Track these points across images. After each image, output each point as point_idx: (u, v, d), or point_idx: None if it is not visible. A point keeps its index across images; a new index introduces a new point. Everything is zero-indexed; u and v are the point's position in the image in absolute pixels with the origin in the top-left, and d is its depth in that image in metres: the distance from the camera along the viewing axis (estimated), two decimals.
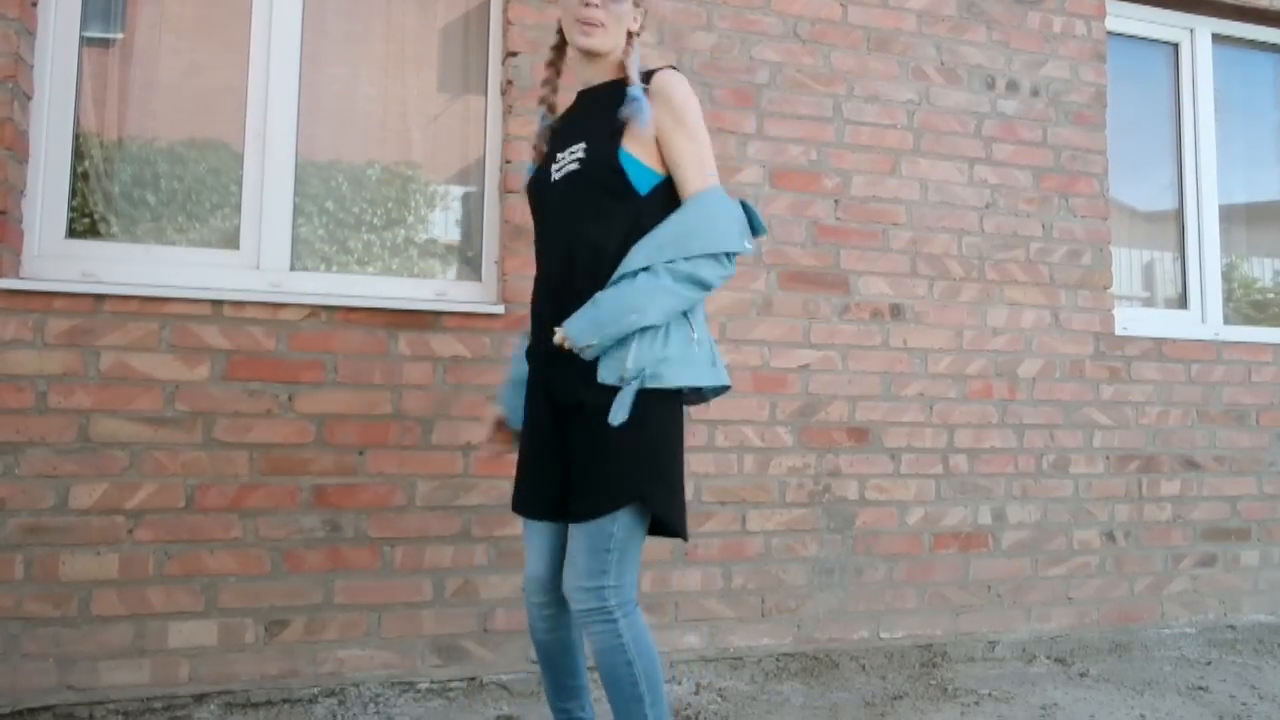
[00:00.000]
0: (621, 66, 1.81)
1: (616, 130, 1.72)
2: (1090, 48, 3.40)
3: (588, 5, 1.74)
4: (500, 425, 1.99)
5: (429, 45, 2.90)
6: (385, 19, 2.86)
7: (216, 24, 2.69)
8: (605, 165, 1.72)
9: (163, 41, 2.66)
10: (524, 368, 1.93)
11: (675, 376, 1.70)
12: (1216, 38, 3.75)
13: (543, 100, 1.94)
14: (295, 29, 2.69)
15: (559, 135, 1.87)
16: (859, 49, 3.10)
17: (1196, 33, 3.70)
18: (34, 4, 2.45)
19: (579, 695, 1.92)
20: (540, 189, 1.85)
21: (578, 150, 1.75)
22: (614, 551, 1.69)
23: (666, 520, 1.72)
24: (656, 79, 1.75)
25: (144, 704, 2.34)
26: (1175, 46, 3.73)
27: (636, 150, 1.72)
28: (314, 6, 2.75)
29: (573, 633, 1.88)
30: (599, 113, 1.78)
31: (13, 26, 2.36)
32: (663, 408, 1.72)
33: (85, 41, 2.57)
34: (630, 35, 1.82)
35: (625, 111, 1.72)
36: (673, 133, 1.72)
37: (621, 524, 1.69)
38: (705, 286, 1.72)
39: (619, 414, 1.66)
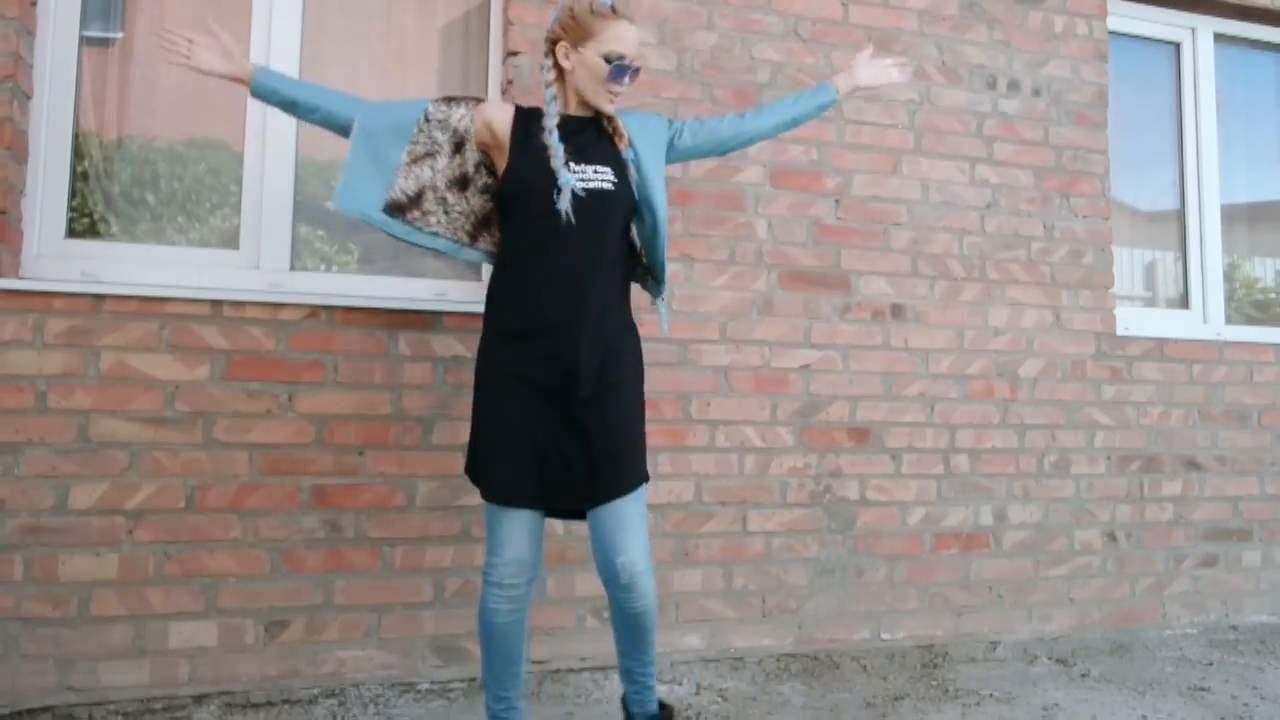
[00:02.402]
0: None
1: (627, 171, 2.02)
2: (1091, 47, 3.39)
3: (619, 84, 2.00)
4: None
5: (429, 45, 2.90)
6: (385, 19, 2.85)
7: (216, 23, 2.68)
8: (630, 199, 2.02)
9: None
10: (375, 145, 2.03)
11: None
12: (1218, 37, 3.74)
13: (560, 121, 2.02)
14: (295, 29, 2.69)
15: (566, 147, 1.98)
16: (860, 48, 3.08)
17: (1198, 32, 3.70)
18: (33, 3, 2.45)
19: (519, 682, 2.01)
20: (548, 192, 1.93)
21: (606, 173, 1.98)
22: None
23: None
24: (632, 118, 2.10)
25: (144, 704, 2.34)
26: (1177, 46, 3.72)
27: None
28: (314, 6, 2.75)
29: (525, 614, 1.98)
30: (608, 145, 2.04)
31: (12, 26, 2.36)
32: None
33: (85, 41, 2.57)
34: None
35: (631, 162, 2.04)
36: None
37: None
38: None
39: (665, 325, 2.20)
